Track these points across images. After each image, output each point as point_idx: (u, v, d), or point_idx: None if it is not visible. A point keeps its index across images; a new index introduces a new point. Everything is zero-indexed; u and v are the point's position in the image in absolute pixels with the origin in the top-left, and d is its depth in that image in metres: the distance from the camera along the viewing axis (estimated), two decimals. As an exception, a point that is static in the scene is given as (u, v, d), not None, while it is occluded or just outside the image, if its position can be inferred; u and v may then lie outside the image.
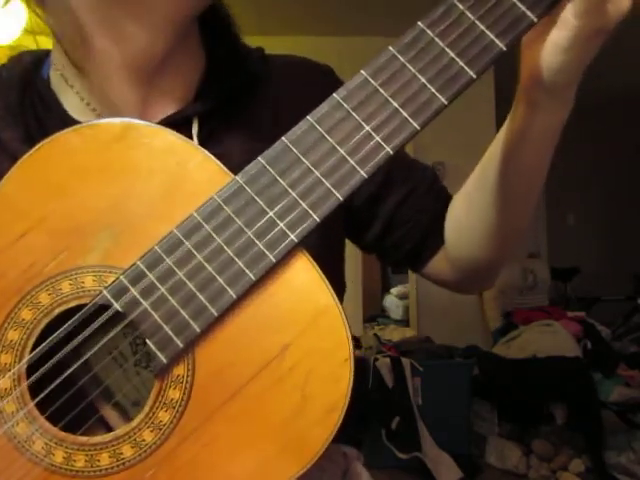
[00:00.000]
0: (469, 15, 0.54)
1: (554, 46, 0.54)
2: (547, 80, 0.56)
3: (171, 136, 0.57)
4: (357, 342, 3.55)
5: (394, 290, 4.96)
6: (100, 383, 0.59)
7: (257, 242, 0.54)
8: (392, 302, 4.85)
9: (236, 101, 0.70)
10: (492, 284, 0.82)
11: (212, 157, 0.56)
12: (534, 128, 0.60)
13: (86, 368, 0.57)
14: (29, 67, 0.72)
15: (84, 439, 0.54)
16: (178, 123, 0.64)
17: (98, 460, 0.53)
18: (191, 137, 0.66)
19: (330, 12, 3.98)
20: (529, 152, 0.62)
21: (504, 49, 0.54)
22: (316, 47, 2.60)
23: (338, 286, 0.56)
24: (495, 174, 0.65)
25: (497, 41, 0.54)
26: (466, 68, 0.54)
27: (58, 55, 0.68)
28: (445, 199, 0.78)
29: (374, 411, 2.95)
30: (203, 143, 0.59)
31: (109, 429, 0.58)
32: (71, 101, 0.69)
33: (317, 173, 0.54)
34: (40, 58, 0.73)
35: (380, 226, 0.78)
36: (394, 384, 3.06)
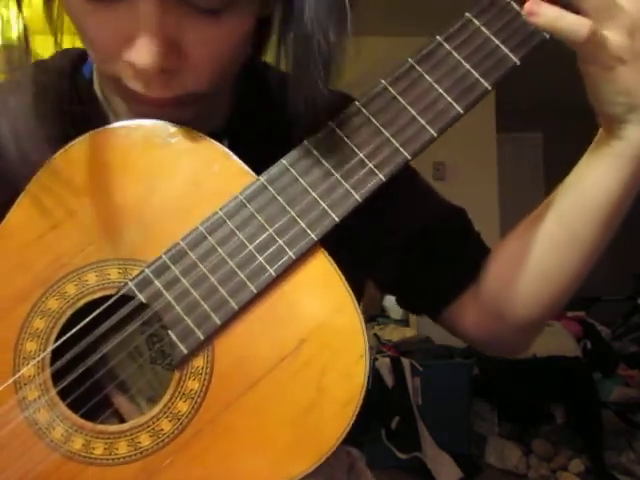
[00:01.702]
0: (485, 31, 0.57)
1: (591, 84, 0.56)
2: (604, 113, 0.57)
3: (197, 137, 0.58)
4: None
5: (394, 290, 4.95)
6: (116, 376, 0.60)
7: (278, 239, 0.56)
8: (392, 302, 4.83)
9: (252, 119, 0.68)
10: (525, 348, 0.74)
11: (236, 158, 0.58)
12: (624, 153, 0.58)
13: (103, 361, 0.58)
14: (70, 64, 0.69)
15: (103, 427, 0.55)
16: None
17: (116, 448, 0.55)
18: None
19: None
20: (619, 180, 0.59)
21: (517, 63, 0.56)
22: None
23: (357, 293, 0.57)
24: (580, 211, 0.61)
25: (511, 55, 0.56)
26: (481, 80, 0.57)
27: None
28: (478, 244, 0.75)
29: (374, 411, 2.95)
30: None
31: (123, 421, 0.58)
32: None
33: (337, 175, 0.57)
34: (82, 55, 0.69)
35: (396, 264, 0.74)
36: (394, 384, 3.06)
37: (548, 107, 4.72)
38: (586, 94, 0.57)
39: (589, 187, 0.60)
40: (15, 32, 0.63)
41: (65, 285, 0.56)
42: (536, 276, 0.64)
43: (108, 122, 0.60)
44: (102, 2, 0.51)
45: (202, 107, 0.60)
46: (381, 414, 2.99)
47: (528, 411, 3.26)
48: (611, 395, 3.32)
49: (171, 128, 0.58)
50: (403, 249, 0.72)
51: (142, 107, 0.58)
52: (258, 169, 0.58)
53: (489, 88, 0.57)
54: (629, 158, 0.58)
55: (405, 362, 3.18)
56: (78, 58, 0.69)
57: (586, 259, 0.62)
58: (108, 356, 0.59)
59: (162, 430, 0.55)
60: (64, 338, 0.56)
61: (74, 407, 0.56)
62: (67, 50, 0.69)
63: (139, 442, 0.55)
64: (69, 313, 0.56)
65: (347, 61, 0.56)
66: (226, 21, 0.53)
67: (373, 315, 4.26)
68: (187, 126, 0.58)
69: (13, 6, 0.61)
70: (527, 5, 0.53)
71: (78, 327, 0.55)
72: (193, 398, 0.55)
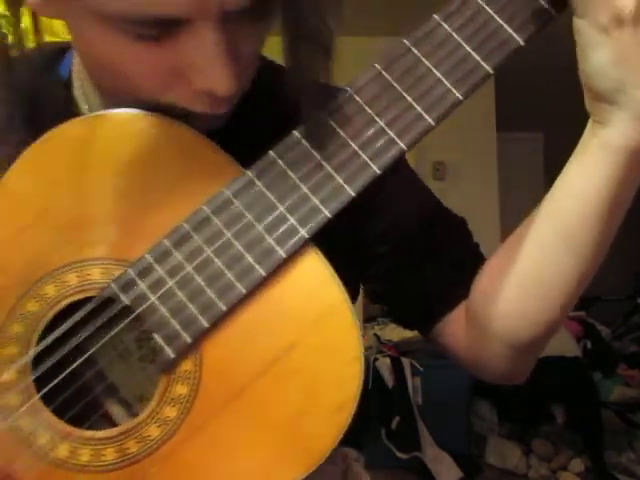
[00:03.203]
0: (487, 9, 0.53)
1: (582, 49, 0.51)
2: (593, 89, 0.52)
3: (180, 128, 0.56)
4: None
5: (394, 290, 4.95)
6: (104, 378, 0.58)
7: (267, 237, 0.53)
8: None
9: (249, 114, 0.64)
10: (522, 374, 0.68)
11: (222, 151, 0.55)
12: (612, 144, 0.53)
13: (91, 363, 0.56)
14: (42, 63, 0.66)
15: (90, 433, 0.54)
16: None
17: (103, 455, 0.53)
18: None
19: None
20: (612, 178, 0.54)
21: (522, 44, 0.53)
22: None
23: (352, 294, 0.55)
24: (577, 218, 0.56)
25: (515, 36, 0.53)
26: (482, 63, 0.53)
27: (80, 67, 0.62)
28: (476, 259, 0.68)
29: (374, 411, 2.95)
30: None
31: (113, 425, 0.57)
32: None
33: (328, 167, 0.54)
34: (59, 52, 0.67)
35: (387, 277, 0.69)
36: (394, 384, 3.06)
37: (548, 107, 4.71)
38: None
39: (578, 186, 0.55)
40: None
41: (44, 286, 0.54)
42: (528, 288, 0.59)
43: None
44: (157, 40, 0.49)
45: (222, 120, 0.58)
46: (381, 414, 3.00)
47: (528, 411, 3.26)
48: (611, 395, 3.32)
49: (154, 120, 0.55)
50: (395, 257, 0.68)
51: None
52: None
53: (491, 72, 0.53)
54: (617, 149, 0.52)
55: (405, 362, 3.19)
56: (54, 55, 0.67)
57: (585, 265, 0.56)
58: (95, 358, 0.57)
59: (150, 436, 0.53)
60: (44, 343, 0.54)
61: (62, 411, 0.54)
62: (43, 45, 0.66)
63: (127, 448, 0.53)
64: (50, 315, 0.54)
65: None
66: (265, 23, 0.53)
67: (373, 315, 4.26)
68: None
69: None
70: None
71: (57, 332, 0.54)
72: (182, 403, 0.53)
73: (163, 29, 0.48)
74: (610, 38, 0.49)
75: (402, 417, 3.03)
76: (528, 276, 0.58)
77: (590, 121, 0.55)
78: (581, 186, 0.54)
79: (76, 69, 0.64)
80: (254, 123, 0.62)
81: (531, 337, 0.61)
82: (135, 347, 0.60)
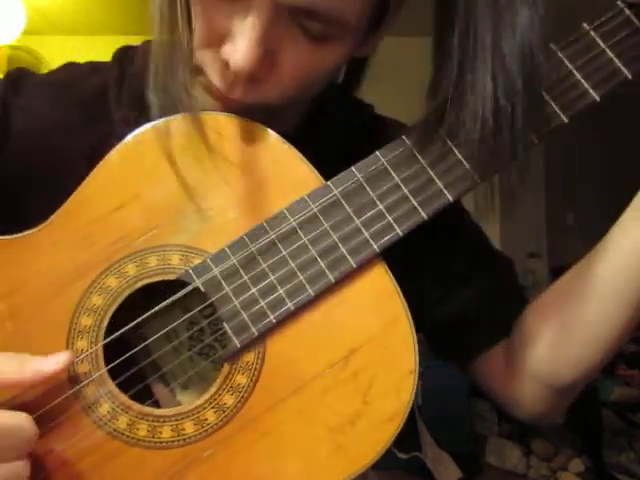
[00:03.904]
0: (600, 43, 0.57)
1: None
2: None
3: (270, 134, 0.59)
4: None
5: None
6: (158, 366, 0.60)
7: (341, 246, 0.56)
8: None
9: (344, 149, 0.65)
10: (560, 414, 0.71)
11: (306, 161, 0.58)
12: None
13: (148, 348, 0.59)
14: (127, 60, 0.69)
15: (149, 409, 0.56)
16: None
17: (160, 432, 0.55)
18: None
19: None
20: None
21: (597, 99, 0.56)
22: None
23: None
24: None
25: (624, 70, 0.57)
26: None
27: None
28: (521, 299, 0.71)
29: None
30: None
31: (157, 406, 0.59)
32: None
33: (405, 190, 0.56)
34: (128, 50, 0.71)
35: (438, 309, 0.71)
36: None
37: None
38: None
39: (629, 248, 0.58)
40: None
41: (126, 265, 0.57)
42: (587, 340, 0.61)
43: None
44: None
45: (266, 117, 0.59)
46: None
47: (528, 411, 3.26)
48: (611, 395, 3.32)
49: (245, 124, 0.58)
50: (443, 297, 0.71)
51: (211, 101, 0.58)
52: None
53: (598, 99, 0.56)
54: None
55: (405, 362, 3.18)
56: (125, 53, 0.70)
57: (630, 313, 0.59)
58: (154, 343, 0.59)
59: (206, 420, 0.55)
60: (131, 325, 0.56)
61: (121, 387, 0.56)
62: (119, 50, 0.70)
63: (183, 429, 0.55)
64: (127, 293, 0.56)
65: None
66: (324, 49, 0.55)
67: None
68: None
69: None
70: None
71: (145, 315, 0.56)
72: (240, 392, 0.55)
73: None
74: None
75: (402, 417, 3.03)
76: (575, 322, 0.61)
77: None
78: (629, 246, 0.58)
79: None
80: (319, 143, 0.64)
81: (571, 381, 0.64)
82: (187, 342, 0.63)
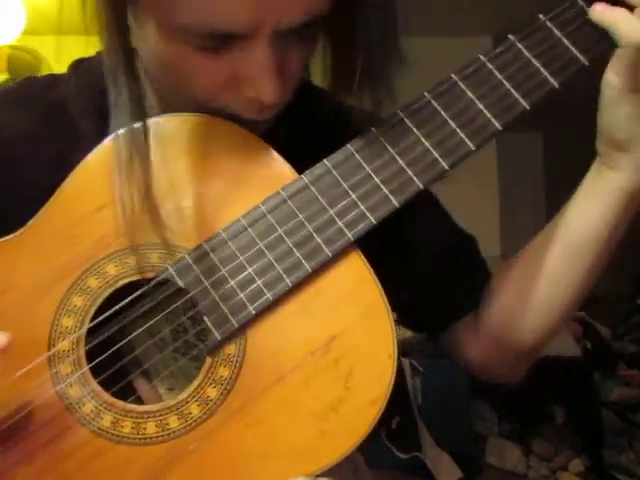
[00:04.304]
0: (526, 53, 0.59)
1: (606, 102, 0.58)
2: (608, 136, 0.59)
3: (242, 132, 0.60)
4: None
5: (393, 290, 4.95)
6: (140, 362, 0.61)
7: (316, 237, 0.57)
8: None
9: (309, 140, 0.68)
10: (520, 374, 0.78)
11: (280, 156, 0.60)
12: (613, 185, 0.61)
13: (131, 345, 0.60)
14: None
15: (133, 406, 0.56)
16: None
17: (144, 428, 0.55)
18: None
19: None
20: (608, 209, 0.62)
21: (556, 87, 0.59)
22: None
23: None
24: (575, 242, 0.65)
25: (550, 79, 0.59)
26: (521, 99, 0.59)
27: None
28: (482, 272, 0.77)
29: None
30: None
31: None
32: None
33: (376, 179, 0.58)
34: None
35: (409, 288, 0.74)
36: (394, 384, 3.06)
37: (548, 106, 4.73)
38: (587, 93, 0.58)
39: (587, 223, 0.63)
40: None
41: (106, 265, 0.58)
42: (542, 307, 0.67)
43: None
44: (214, 52, 0.53)
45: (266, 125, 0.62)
46: (381, 414, 2.99)
47: (528, 411, 3.26)
48: (611, 395, 3.31)
49: (219, 123, 0.60)
50: (413, 274, 0.74)
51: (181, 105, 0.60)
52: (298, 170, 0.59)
53: (527, 108, 0.58)
54: (620, 190, 0.60)
55: (405, 362, 3.18)
56: None
57: (586, 283, 0.65)
58: (136, 341, 0.60)
59: (190, 414, 0.55)
60: (102, 317, 0.57)
61: (105, 385, 0.57)
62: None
63: (167, 424, 0.55)
64: (107, 293, 0.57)
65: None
66: (313, 38, 0.58)
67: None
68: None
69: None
70: (596, 5, 0.56)
71: (117, 307, 0.57)
72: (223, 385, 0.56)
73: (221, 43, 0.53)
74: (638, 97, 0.56)
75: (402, 417, 3.02)
76: (531, 293, 0.67)
77: (597, 162, 0.63)
78: (592, 225, 0.63)
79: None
80: (295, 134, 0.67)
81: (540, 345, 0.72)
82: (170, 339, 0.64)
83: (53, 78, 0.72)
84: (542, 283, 0.66)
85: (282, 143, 0.61)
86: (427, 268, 0.74)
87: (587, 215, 0.63)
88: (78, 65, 0.71)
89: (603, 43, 0.58)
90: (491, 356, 0.74)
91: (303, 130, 0.68)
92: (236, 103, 0.58)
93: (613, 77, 0.56)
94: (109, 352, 0.57)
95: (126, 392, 0.59)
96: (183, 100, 0.60)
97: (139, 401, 0.60)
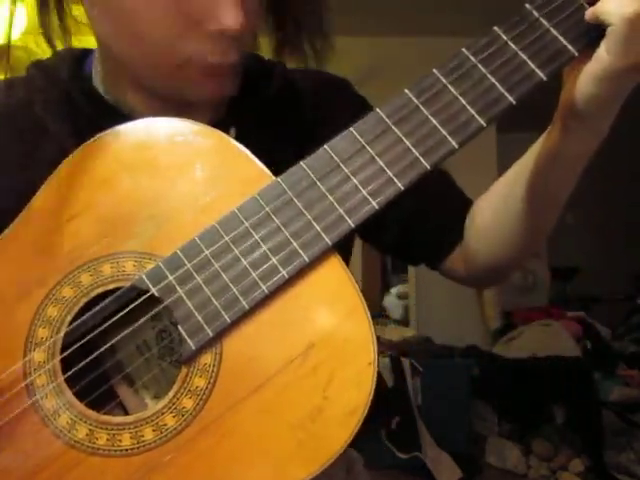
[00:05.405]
0: (512, 45, 0.57)
1: (588, 77, 0.56)
2: (580, 109, 0.58)
3: (217, 136, 0.59)
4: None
5: (394, 290, 4.94)
6: (123, 369, 0.61)
7: (292, 241, 0.56)
8: (392, 302, 4.83)
9: (266, 114, 0.71)
10: (506, 280, 0.86)
11: (255, 159, 0.59)
12: (565, 152, 0.62)
13: (112, 353, 0.59)
14: (73, 63, 0.71)
15: (107, 418, 0.55)
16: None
17: (119, 440, 0.55)
18: None
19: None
20: (558, 171, 0.64)
21: (544, 79, 0.57)
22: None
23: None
24: (523, 187, 0.66)
25: (538, 71, 0.57)
26: (506, 94, 0.57)
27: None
28: (463, 202, 0.81)
29: (374, 411, 2.95)
30: None
31: (127, 414, 0.58)
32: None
33: (355, 181, 0.56)
34: (84, 54, 0.73)
35: (398, 229, 0.79)
36: (394, 384, 3.06)
37: (548, 107, 4.71)
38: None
39: (543, 162, 0.65)
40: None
41: (80, 275, 0.57)
42: (497, 231, 0.73)
43: (118, 118, 0.61)
44: None
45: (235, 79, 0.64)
46: (381, 414, 2.99)
47: (528, 411, 3.25)
48: (611, 395, 3.30)
49: (193, 126, 0.59)
50: (406, 217, 0.78)
51: (198, 89, 0.62)
52: (262, 155, 0.59)
53: (513, 102, 0.57)
54: (574, 153, 0.62)
55: (405, 362, 3.18)
56: (77, 59, 0.72)
57: (552, 217, 0.70)
58: (117, 348, 0.59)
59: (166, 425, 0.55)
60: (74, 324, 0.56)
61: (81, 397, 0.56)
62: (67, 50, 0.72)
63: (142, 435, 0.55)
64: (82, 302, 0.57)
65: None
66: None
67: (372, 315, 4.26)
68: (191, 118, 0.60)
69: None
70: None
71: (88, 315, 0.56)
72: (198, 395, 0.55)
73: None
74: (624, 79, 0.54)
75: (402, 417, 3.02)
76: (507, 219, 0.71)
77: (552, 128, 0.64)
78: (532, 157, 0.66)
79: (94, 64, 0.71)
80: (257, 115, 0.70)
81: (508, 268, 0.78)
82: (154, 343, 0.63)
83: (8, 82, 0.72)
84: (508, 222, 0.71)
85: (246, 128, 0.62)
86: (413, 211, 0.78)
87: (534, 156, 0.66)
88: (37, 66, 0.72)
89: (594, 31, 0.55)
90: (477, 271, 0.79)
91: (262, 112, 0.71)
92: (200, 45, 0.58)
93: (604, 54, 0.54)
94: (83, 363, 0.56)
95: (111, 401, 0.58)
96: (152, 74, 0.61)
97: (122, 409, 0.60)
